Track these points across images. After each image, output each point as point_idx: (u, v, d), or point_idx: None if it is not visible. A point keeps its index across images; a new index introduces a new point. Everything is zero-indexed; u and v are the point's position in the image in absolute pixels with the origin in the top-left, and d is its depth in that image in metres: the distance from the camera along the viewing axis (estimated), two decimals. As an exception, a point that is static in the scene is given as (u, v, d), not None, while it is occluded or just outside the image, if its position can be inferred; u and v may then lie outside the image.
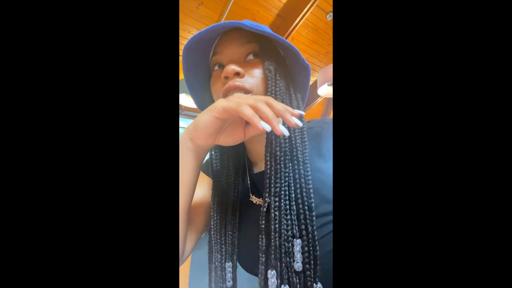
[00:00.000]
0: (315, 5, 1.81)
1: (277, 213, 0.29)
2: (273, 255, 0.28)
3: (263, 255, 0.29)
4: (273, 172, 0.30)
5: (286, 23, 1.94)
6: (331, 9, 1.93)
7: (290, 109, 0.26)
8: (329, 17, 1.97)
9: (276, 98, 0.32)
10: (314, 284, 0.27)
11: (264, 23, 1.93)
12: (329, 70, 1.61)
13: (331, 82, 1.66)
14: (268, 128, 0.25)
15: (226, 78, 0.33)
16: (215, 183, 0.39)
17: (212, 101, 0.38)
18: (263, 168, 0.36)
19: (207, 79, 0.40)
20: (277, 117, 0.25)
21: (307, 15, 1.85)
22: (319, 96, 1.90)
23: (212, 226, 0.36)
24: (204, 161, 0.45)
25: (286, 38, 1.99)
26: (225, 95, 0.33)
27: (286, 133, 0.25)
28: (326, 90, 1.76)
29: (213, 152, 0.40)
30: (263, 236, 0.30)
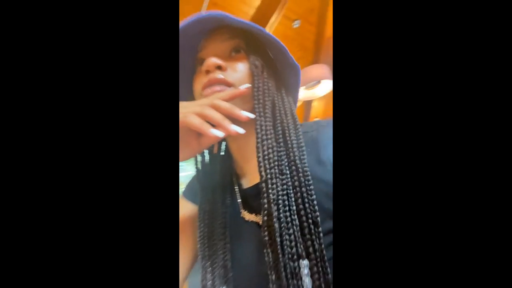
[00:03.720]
0: (281, 15, 1.88)
1: (276, 225, 0.25)
2: (274, 276, 0.24)
3: (273, 273, 0.25)
4: (268, 176, 0.26)
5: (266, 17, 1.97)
6: (296, 17, 2.02)
7: (236, 108, 0.25)
8: (296, 25, 2.06)
9: (264, 97, 0.30)
10: None
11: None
12: (304, 73, 1.66)
13: (308, 85, 1.70)
14: (220, 134, 0.23)
15: (208, 72, 0.31)
16: (201, 203, 0.35)
17: None
18: (254, 182, 0.33)
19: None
20: (227, 118, 0.24)
21: (274, 25, 1.92)
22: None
23: (200, 250, 0.33)
24: (186, 185, 0.41)
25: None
26: (204, 89, 0.31)
27: (241, 131, 0.24)
28: (303, 94, 1.80)
29: (197, 173, 0.36)
30: (269, 250, 0.25)
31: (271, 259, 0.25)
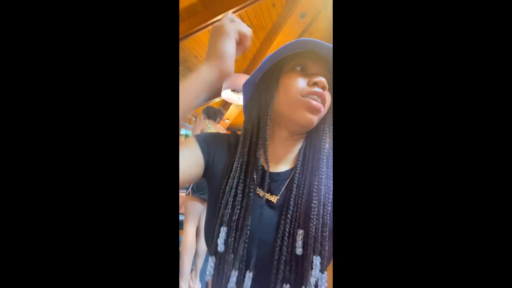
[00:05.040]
0: (238, 14, 1.91)
1: (291, 203, 0.36)
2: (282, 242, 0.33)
3: (284, 240, 0.34)
4: (298, 168, 0.38)
5: (208, 12, 1.89)
6: (249, 23, 2.12)
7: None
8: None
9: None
10: None
11: (183, 1, 1.78)
12: (238, 78, 1.75)
13: (236, 90, 1.81)
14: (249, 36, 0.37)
15: (314, 85, 0.38)
16: (213, 171, 0.41)
17: (271, 91, 0.41)
18: (279, 170, 0.41)
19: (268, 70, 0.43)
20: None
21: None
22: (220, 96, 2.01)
23: (209, 223, 0.38)
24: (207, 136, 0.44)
25: (203, 26, 1.95)
26: (308, 95, 0.38)
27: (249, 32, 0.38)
28: (227, 95, 1.88)
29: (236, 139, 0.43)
30: (283, 222, 0.35)
31: (282, 230, 0.34)
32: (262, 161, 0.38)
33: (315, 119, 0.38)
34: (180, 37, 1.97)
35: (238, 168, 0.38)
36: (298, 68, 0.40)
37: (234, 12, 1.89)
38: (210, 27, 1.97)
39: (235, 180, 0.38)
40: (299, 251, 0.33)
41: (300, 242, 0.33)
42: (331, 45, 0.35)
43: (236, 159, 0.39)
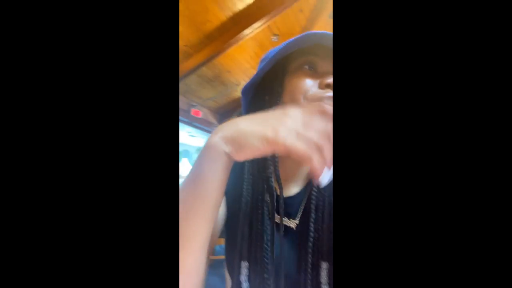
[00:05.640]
0: (266, 25, 1.95)
1: (312, 228, 0.31)
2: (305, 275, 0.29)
3: (308, 272, 0.29)
4: (314, 194, 0.32)
5: (237, 27, 1.97)
6: (277, 33, 2.14)
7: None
8: (274, 39, 2.16)
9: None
10: None
11: (214, 21, 1.88)
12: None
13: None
14: (324, 182, 0.25)
15: (327, 86, 0.31)
16: (232, 201, 0.36)
17: (277, 95, 0.34)
18: (292, 193, 0.35)
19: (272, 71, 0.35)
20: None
21: (256, 31, 1.96)
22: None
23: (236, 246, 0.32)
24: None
25: (234, 41, 2.03)
26: (315, 101, 0.31)
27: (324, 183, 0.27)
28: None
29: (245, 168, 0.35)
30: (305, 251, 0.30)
31: (304, 259, 0.30)
32: (273, 180, 0.33)
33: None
34: (212, 54, 2.09)
35: (249, 191, 0.33)
36: (306, 67, 0.34)
37: (262, 25, 1.92)
38: (241, 41, 2.04)
39: (248, 206, 0.33)
40: None
41: (325, 278, 0.29)
42: None
43: (245, 180, 0.34)
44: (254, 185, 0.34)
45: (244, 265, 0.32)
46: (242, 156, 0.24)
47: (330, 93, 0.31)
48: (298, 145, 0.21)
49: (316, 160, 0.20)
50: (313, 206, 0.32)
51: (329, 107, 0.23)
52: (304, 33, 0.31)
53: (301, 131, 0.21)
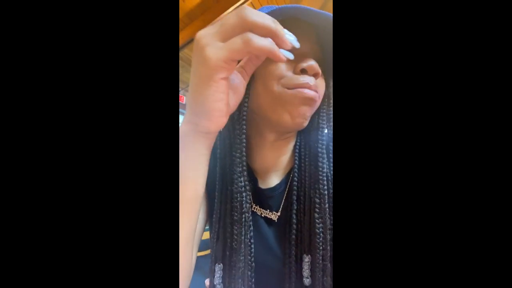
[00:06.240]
0: (249, 2, 1.93)
1: (294, 220, 0.31)
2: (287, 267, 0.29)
3: (290, 264, 0.30)
4: (295, 183, 0.32)
5: (220, 5, 1.96)
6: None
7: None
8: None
9: (329, 112, 0.33)
10: None
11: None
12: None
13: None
14: (291, 56, 0.22)
15: (302, 72, 0.28)
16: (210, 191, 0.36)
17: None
18: (273, 184, 0.35)
19: None
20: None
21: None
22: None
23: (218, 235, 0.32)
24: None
25: (216, 21, 1.95)
26: (295, 88, 0.28)
27: (291, 56, 0.23)
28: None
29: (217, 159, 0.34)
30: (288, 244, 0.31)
31: (288, 252, 0.30)
32: (241, 172, 0.31)
33: (309, 112, 0.29)
34: (194, 35, 1.98)
35: (220, 190, 0.32)
36: None
37: (244, 3, 1.91)
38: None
39: (221, 205, 0.32)
40: (307, 281, 0.28)
41: (307, 271, 0.29)
42: (325, 12, 0.26)
43: (217, 177, 0.33)
44: (224, 181, 0.33)
45: (218, 267, 0.31)
46: (214, 117, 0.23)
47: (307, 78, 0.28)
48: (238, 47, 0.20)
49: (266, 44, 0.20)
50: (294, 197, 0.32)
51: (307, 90, 0.28)
52: (281, 6, 0.27)
53: (230, 40, 0.21)
